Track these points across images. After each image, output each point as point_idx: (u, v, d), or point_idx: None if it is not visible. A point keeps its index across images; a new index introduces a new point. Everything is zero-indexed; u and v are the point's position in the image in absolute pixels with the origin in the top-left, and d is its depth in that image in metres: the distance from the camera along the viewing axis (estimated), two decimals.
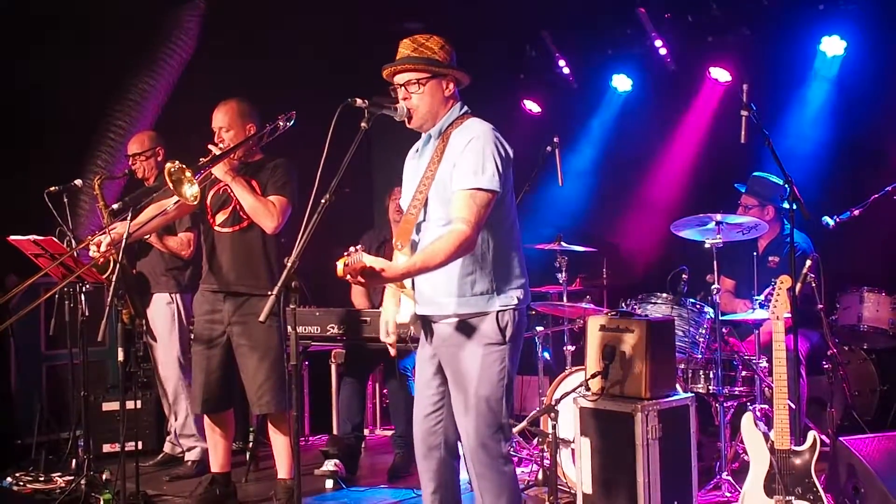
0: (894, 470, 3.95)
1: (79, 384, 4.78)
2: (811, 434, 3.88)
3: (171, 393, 5.37)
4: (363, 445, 5.44)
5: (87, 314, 4.78)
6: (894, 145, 5.79)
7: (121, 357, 4.29)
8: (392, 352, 3.47)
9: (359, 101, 3.15)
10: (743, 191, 5.40)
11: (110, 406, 5.65)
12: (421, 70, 3.23)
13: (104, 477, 4.77)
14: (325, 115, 3.10)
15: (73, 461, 5.13)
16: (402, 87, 3.26)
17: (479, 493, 3.29)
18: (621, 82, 7.11)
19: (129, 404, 4.62)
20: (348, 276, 2.91)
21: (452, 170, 3.17)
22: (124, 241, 4.16)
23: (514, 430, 4.62)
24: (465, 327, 3.22)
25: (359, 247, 3.04)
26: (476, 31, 6.67)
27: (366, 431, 5.53)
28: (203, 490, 4.65)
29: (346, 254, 2.97)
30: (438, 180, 3.21)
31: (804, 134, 6.15)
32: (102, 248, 4.38)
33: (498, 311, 3.21)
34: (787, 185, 4.17)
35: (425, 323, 3.35)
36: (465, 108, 3.34)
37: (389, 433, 5.67)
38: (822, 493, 3.80)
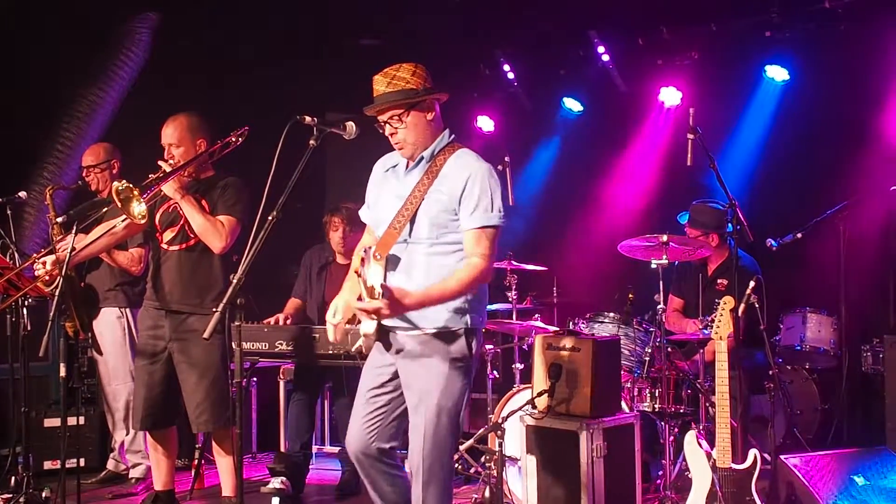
0: (833, 487, 4.04)
1: (20, 400, 4.67)
2: (752, 452, 3.95)
3: (121, 408, 5.28)
4: (311, 462, 5.39)
5: (29, 328, 4.66)
6: (835, 170, 5.94)
7: (63, 372, 4.21)
8: (331, 336, 3.38)
9: (307, 118, 3.17)
10: (684, 222, 5.43)
11: (52, 422, 5.51)
12: (399, 105, 3.28)
13: (44, 495, 4.67)
14: (277, 131, 3.10)
15: (13, 478, 5.00)
16: (387, 124, 3.31)
17: (421, 498, 3.32)
18: (573, 102, 7.19)
19: (72, 420, 4.53)
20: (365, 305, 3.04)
21: (447, 199, 3.27)
22: (68, 256, 4.10)
23: (461, 447, 4.66)
24: (434, 343, 3.29)
25: (376, 252, 3.13)
26: (430, 48, 6.70)
27: (314, 448, 5.48)
28: None
29: (363, 254, 3.08)
30: (429, 201, 3.29)
31: (749, 156, 6.28)
32: (48, 267, 4.30)
33: (467, 329, 3.30)
34: (730, 208, 4.26)
35: (386, 333, 3.36)
36: (453, 135, 3.42)
37: (337, 450, 5.63)
38: None
